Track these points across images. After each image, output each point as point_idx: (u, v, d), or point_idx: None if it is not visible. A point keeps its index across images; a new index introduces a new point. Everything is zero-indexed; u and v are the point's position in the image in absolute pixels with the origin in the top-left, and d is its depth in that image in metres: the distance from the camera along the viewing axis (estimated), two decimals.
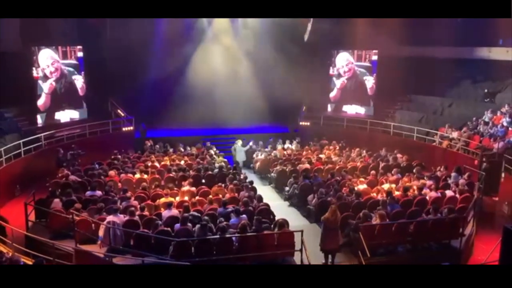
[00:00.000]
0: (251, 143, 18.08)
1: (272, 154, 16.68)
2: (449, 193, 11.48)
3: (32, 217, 10.86)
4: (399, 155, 15.54)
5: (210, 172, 13.46)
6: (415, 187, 11.88)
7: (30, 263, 7.71)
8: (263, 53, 20.65)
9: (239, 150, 17.29)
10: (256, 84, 20.68)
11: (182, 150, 16.96)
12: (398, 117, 20.22)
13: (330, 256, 9.33)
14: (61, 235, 9.72)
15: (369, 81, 20.93)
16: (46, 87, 17.51)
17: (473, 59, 19.21)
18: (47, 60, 17.46)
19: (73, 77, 18.48)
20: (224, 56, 21.16)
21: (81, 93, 18.88)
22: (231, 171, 13.87)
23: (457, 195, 11.33)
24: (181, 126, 20.62)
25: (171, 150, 16.89)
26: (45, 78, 17.49)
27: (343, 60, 21.32)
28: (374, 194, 11.85)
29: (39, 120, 17.38)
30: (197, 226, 8.94)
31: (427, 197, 11.21)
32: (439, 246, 10.00)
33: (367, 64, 20.90)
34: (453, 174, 12.98)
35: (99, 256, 8.76)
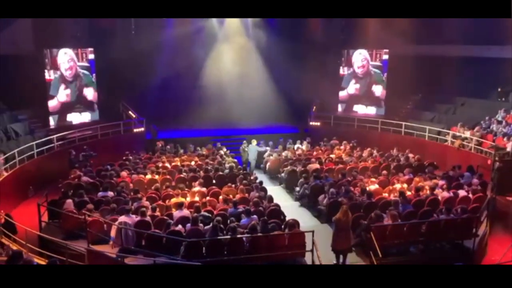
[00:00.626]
0: (261, 144, 18.05)
1: (283, 154, 16.65)
2: (461, 193, 11.36)
3: (45, 217, 10.98)
4: (410, 155, 15.42)
5: (220, 173, 13.49)
6: (427, 187, 11.78)
7: (43, 263, 7.80)
8: (273, 53, 20.65)
9: (254, 150, 17.20)
10: (266, 85, 20.69)
11: (193, 151, 17.01)
12: (409, 116, 20.05)
13: (341, 256, 9.29)
14: (73, 236, 9.82)
15: (378, 90, 20.88)
16: (61, 89, 17.73)
17: (486, 57, 18.97)
18: (65, 56, 17.80)
19: (85, 89, 18.73)
20: (234, 56, 21.18)
21: (93, 100, 19.13)
22: (241, 171, 13.88)
23: (470, 195, 11.21)
24: (192, 127, 20.67)
25: (181, 151, 16.96)
26: (62, 79, 17.73)
27: (360, 56, 21.14)
28: (386, 194, 11.78)
29: (52, 122, 17.58)
30: (208, 226, 8.97)
31: (440, 197, 11.10)
32: (452, 246, 9.92)
33: (378, 63, 20.79)
34: (466, 173, 12.85)
35: (111, 256, 8.83)
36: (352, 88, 21.57)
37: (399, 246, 9.61)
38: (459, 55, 19.12)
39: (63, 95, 17.90)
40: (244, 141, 17.70)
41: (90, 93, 18.99)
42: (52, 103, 17.58)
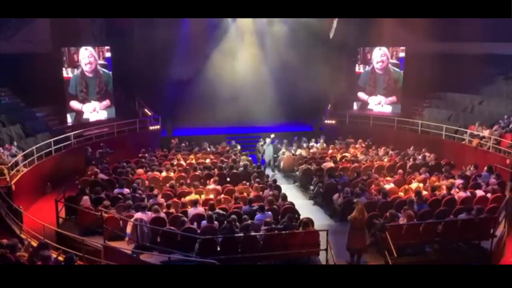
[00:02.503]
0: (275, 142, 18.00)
1: (297, 152, 16.61)
2: (479, 192, 11.20)
3: (62, 213, 11.17)
4: (427, 154, 15.24)
5: (235, 171, 13.51)
6: (443, 187, 11.62)
7: (61, 258, 7.92)
8: (288, 51, 20.53)
9: (269, 147, 17.00)
10: (281, 82, 20.63)
11: (208, 148, 17.08)
12: (426, 115, 19.79)
13: (356, 255, 9.24)
14: (90, 232, 9.98)
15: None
16: (80, 86, 17.97)
17: (505, 54, 18.61)
18: (86, 52, 18.03)
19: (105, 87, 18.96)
20: (249, 54, 21.16)
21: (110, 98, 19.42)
22: (255, 169, 13.89)
23: (488, 195, 11.04)
24: (206, 124, 20.76)
25: (196, 148, 17.04)
26: (82, 75, 17.96)
27: (380, 51, 20.83)
28: (401, 194, 11.66)
29: (69, 119, 17.81)
30: (224, 224, 9.01)
31: (456, 197, 10.95)
32: (469, 247, 9.78)
33: (395, 61, 20.54)
34: (484, 173, 12.64)
35: (126, 253, 8.94)
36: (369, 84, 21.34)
37: (414, 246, 9.52)
38: (477, 52, 18.79)
39: (82, 92, 18.13)
40: (261, 139, 17.70)
41: (109, 90, 19.24)
42: (71, 103, 17.84)
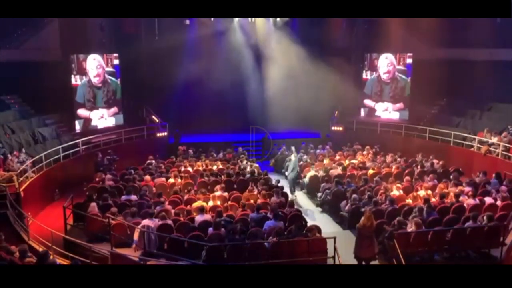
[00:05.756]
0: (283, 149, 17.98)
1: (303, 159, 16.54)
2: (488, 200, 11.09)
3: (70, 220, 11.22)
4: (435, 161, 15.13)
5: (241, 177, 13.50)
6: (452, 194, 11.53)
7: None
8: (295, 57, 20.56)
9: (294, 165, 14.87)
10: (287, 89, 20.62)
11: (215, 155, 17.10)
12: (434, 121, 19.68)
13: (364, 263, 9.16)
14: (97, 238, 9.99)
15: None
16: (88, 95, 18.10)
17: None
18: (94, 62, 18.14)
19: (113, 95, 19.08)
20: (256, 61, 21.23)
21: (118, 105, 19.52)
22: (262, 176, 13.87)
23: (498, 202, 10.92)
24: (214, 131, 20.81)
25: (203, 155, 17.06)
26: (90, 84, 18.09)
27: (387, 60, 20.77)
28: (409, 201, 11.58)
29: (77, 126, 17.94)
30: (229, 231, 8.99)
31: (465, 204, 10.85)
32: (478, 255, 9.68)
33: (402, 67, 20.45)
34: (493, 180, 12.52)
35: (133, 260, 8.95)
36: (375, 86, 21.23)
37: (423, 254, 9.44)
38: (486, 58, 18.68)
39: (89, 101, 18.25)
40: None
41: (117, 99, 19.37)
42: (79, 111, 17.98)
